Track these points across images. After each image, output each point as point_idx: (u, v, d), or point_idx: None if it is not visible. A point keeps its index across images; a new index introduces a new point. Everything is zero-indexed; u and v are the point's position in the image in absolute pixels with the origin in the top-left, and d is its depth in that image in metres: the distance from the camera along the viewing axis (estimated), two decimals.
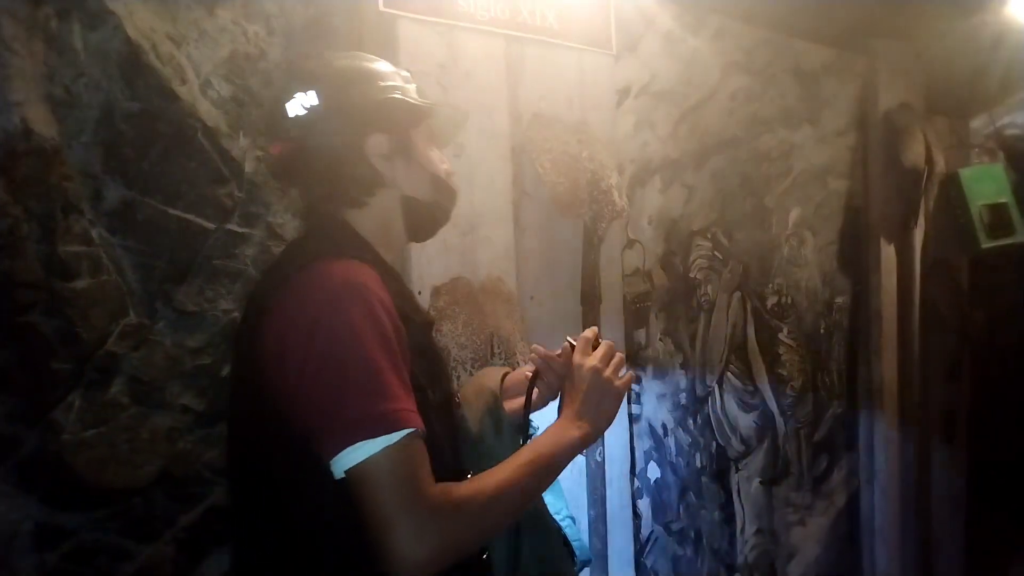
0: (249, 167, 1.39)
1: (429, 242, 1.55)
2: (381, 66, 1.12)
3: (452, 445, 1.07)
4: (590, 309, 1.85)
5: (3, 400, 1.15)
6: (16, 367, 1.16)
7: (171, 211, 1.30)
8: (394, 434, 0.87)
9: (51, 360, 1.19)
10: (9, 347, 1.15)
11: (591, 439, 1.08)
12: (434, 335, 1.19)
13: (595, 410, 1.08)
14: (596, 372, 1.09)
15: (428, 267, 1.57)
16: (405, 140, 1.11)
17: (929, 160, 2.84)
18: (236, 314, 1.35)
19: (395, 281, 1.07)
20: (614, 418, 1.11)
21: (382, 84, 1.09)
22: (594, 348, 1.13)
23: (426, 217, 1.16)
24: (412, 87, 1.13)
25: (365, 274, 0.95)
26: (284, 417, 0.92)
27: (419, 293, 1.55)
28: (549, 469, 1.03)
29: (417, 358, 0.99)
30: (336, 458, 0.87)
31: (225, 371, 1.36)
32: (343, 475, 0.87)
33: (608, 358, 1.12)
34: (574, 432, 1.06)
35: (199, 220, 1.34)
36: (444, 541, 0.87)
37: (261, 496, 0.99)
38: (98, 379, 1.24)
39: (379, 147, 1.08)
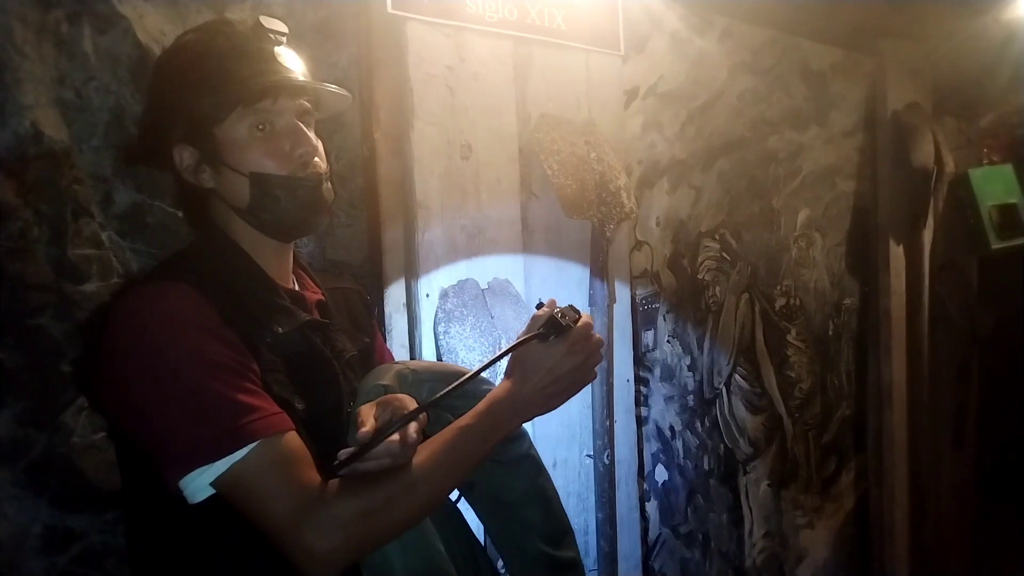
0: None
1: (435, 243, 1.57)
2: (205, 46, 0.98)
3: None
4: (597, 311, 1.84)
5: (13, 403, 1.15)
6: (26, 370, 1.16)
7: (180, 214, 1.30)
8: (237, 452, 0.84)
9: (61, 363, 1.19)
10: (19, 350, 1.15)
11: (535, 412, 1.00)
12: (325, 340, 1.06)
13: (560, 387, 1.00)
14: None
15: (435, 269, 1.57)
16: (209, 143, 0.99)
17: (938, 160, 2.83)
18: None
19: (250, 291, 0.99)
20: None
21: (183, 79, 0.97)
22: (562, 318, 1.01)
23: (272, 220, 1.01)
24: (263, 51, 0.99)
25: (173, 298, 0.90)
26: (131, 443, 0.93)
27: (427, 295, 1.55)
28: (473, 439, 0.95)
29: (282, 368, 0.94)
30: (183, 481, 0.86)
31: None
32: (203, 497, 0.86)
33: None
34: (521, 402, 0.97)
35: None
36: (342, 532, 0.84)
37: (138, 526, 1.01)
38: None
39: (184, 160, 1.00)
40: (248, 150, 0.99)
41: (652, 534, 2.17)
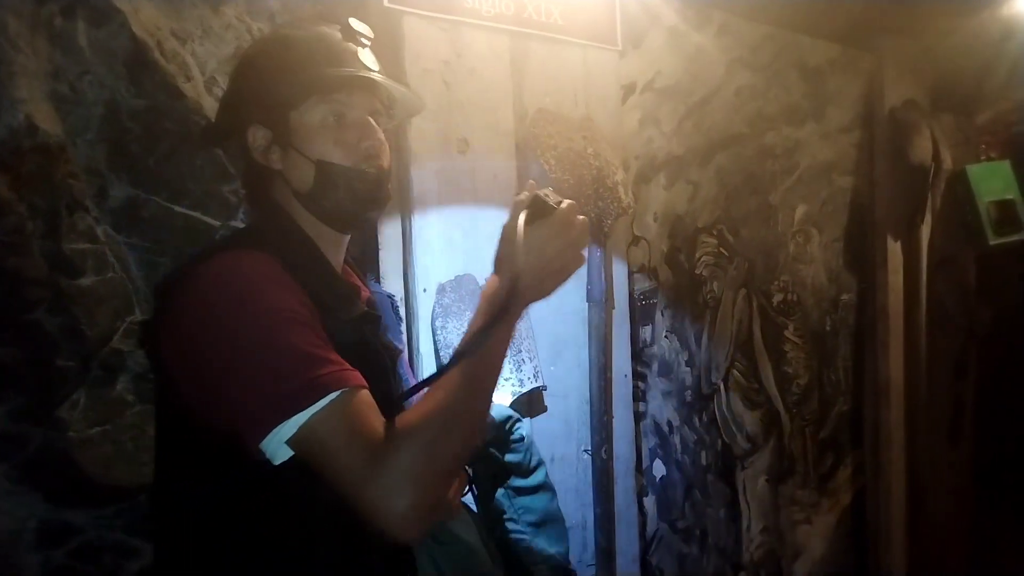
0: None
1: (432, 239, 1.56)
2: (293, 39, 1.04)
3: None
4: (596, 306, 1.84)
5: (9, 398, 1.15)
6: (22, 365, 1.16)
7: (176, 208, 1.30)
8: (314, 405, 0.83)
9: (56, 358, 1.19)
10: (15, 345, 1.15)
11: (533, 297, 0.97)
12: (374, 334, 1.07)
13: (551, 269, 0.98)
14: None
15: (432, 264, 1.57)
16: (283, 127, 1.02)
17: (936, 157, 2.83)
18: None
19: (316, 273, 1.00)
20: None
21: (267, 63, 1.03)
22: (546, 197, 0.98)
23: (330, 208, 1.03)
24: (342, 50, 1.03)
25: (257, 262, 0.92)
26: (200, 416, 0.89)
27: (424, 290, 1.55)
28: (487, 337, 0.90)
29: (342, 354, 0.94)
30: (264, 441, 0.84)
31: None
32: (285, 457, 0.84)
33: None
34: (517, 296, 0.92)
35: (204, 217, 1.34)
36: (414, 473, 0.82)
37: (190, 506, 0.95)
38: (103, 377, 1.24)
39: (256, 140, 1.03)
40: (318, 137, 1.02)
41: (650, 529, 2.17)
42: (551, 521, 1.37)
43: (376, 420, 0.86)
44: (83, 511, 1.23)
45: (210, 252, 0.95)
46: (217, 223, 1.35)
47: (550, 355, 1.76)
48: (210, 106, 1.33)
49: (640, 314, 2.12)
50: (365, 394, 0.88)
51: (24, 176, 1.14)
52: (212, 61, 1.33)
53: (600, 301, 1.84)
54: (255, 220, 1.13)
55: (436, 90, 1.57)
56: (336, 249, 1.08)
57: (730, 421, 2.43)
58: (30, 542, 1.18)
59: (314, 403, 0.83)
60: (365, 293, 1.14)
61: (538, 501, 1.35)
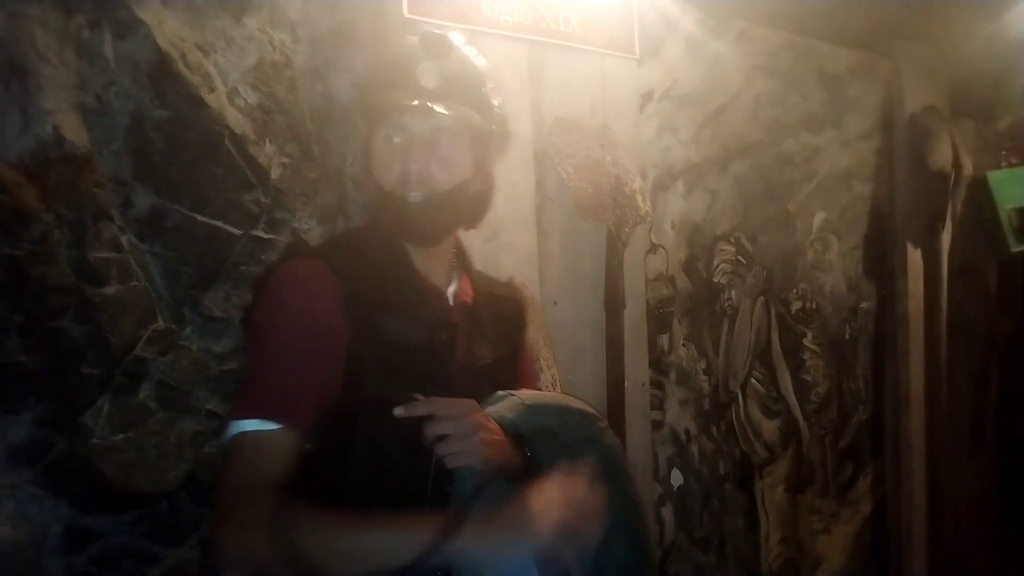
0: (275, 173, 1.40)
1: None
2: (401, 58, 1.07)
3: (419, 461, 0.96)
4: (613, 314, 1.84)
5: (34, 404, 1.17)
6: (47, 371, 1.17)
7: (199, 217, 1.31)
8: (244, 421, 0.94)
9: (81, 365, 1.20)
10: (40, 351, 1.16)
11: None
12: (444, 335, 1.07)
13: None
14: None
15: None
16: (369, 143, 1.09)
17: (956, 163, 2.80)
18: None
19: (375, 279, 1.03)
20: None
21: (374, 80, 1.09)
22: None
23: (394, 222, 1.07)
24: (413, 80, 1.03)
25: (303, 269, 1.03)
26: None
27: None
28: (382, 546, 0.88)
29: (396, 355, 0.98)
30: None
31: None
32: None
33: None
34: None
35: (226, 226, 1.34)
36: (229, 541, 0.91)
37: None
38: (127, 384, 1.25)
39: (361, 154, 1.12)
40: (375, 158, 1.07)
41: (667, 538, 2.16)
42: None
43: (267, 469, 0.93)
44: (105, 517, 1.24)
45: (292, 254, 1.11)
46: (239, 232, 1.36)
47: (567, 364, 1.76)
48: (232, 117, 1.34)
49: (657, 322, 2.12)
50: (281, 434, 0.94)
51: (51, 186, 1.16)
52: (235, 72, 1.35)
53: (618, 310, 1.84)
54: (365, 222, 1.19)
55: None
56: (424, 256, 1.10)
57: (748, 430, 2.42)
58: (54, 547, 1.19)
59: (244, 419, 0.95)
60: (463, 299, 1.13)
61: None
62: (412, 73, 1.04)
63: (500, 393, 1.08)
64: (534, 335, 1.63)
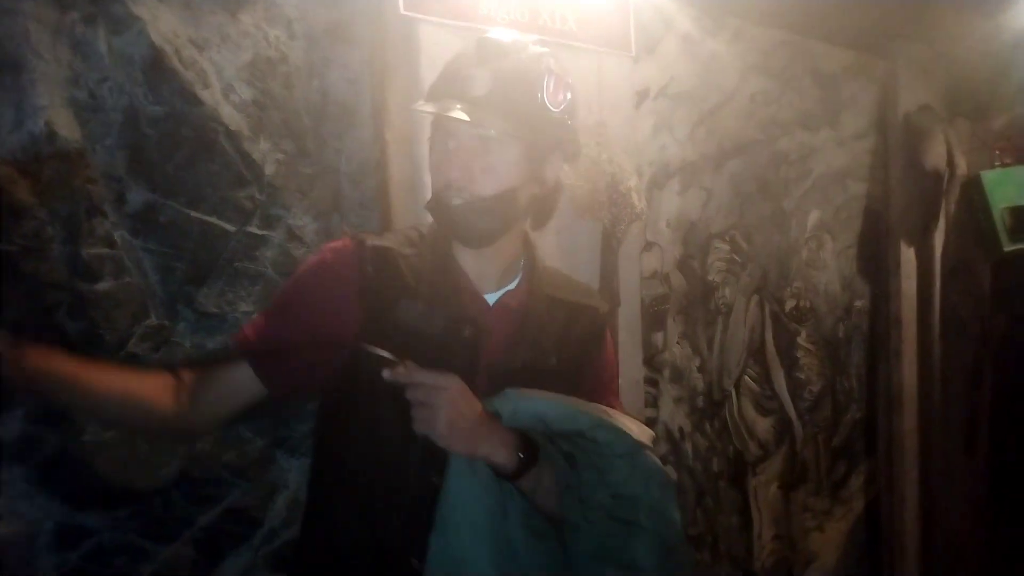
0: (270, 170, 1.39)
1: None
2: (455, 62, 1.08)
3: (410, 442, 1.01)
4: (608, 312, 1.84)
5: (26, 400, 1.16)
6: None
7: (193, 214, 1.31)
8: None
9: None
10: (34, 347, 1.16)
11: None
12: (467, 332, 1.08)
13: None
14: None
15: None
16: (429, 143, 1.11)
17: (950, 163, 2.81)
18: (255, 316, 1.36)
19: (404, 271, 1.08)
20: None
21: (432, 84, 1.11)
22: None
23: (439, 223, 1.11)
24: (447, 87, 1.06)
25: (332, 253, 1.10)
26: None
27: None
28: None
29: (407, 340, 1.03)
30: None
31: None
32: None
33: None
34: None
35: (220, 223, 1.34)
36: None
37: None
38: None
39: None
40: (429, 158, 1.11)
41: None
42: None
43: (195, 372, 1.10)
44: (97, 514, 1.24)
45: (344, 235, 1.19)
46: (233, 228, 1.36)
47: None
48: (227, 113, 1.34)
49: (652, 320, 2.12)
50: (239, 367, 1.09)
51: (45, 182, 1.16)
52: (230, 68, 1.34)
53: (612, 307, 1.84)
54: None
55: None
56: (473, 257, 1.11)
57: (742, 428, 2.42)
58: (46, 544, 1.19)
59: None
60: (510, 303, 1.12)
61: None
62: (463, 79, 1.04)
63: (513, 391, 1.08)
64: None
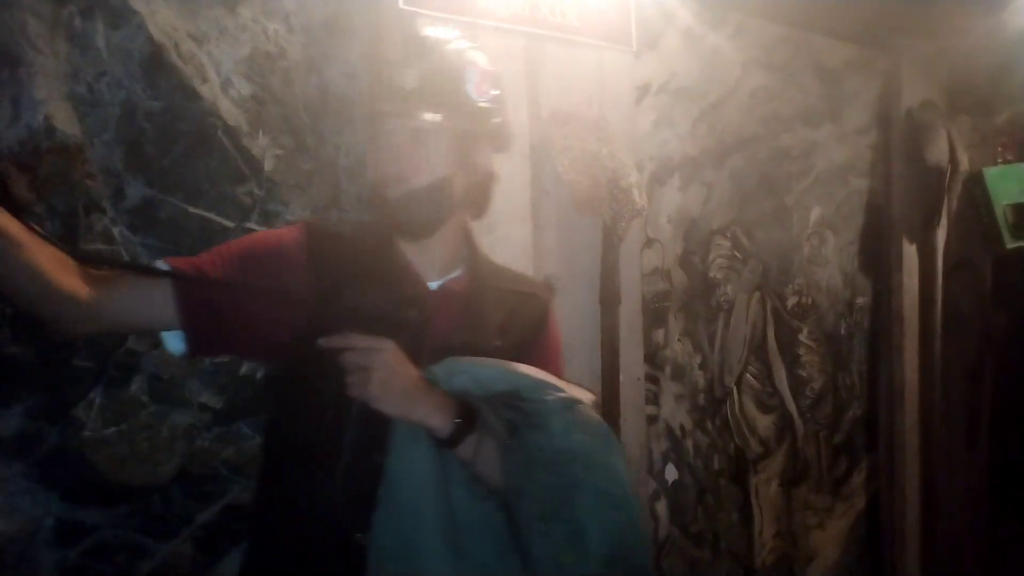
0: (268, 165, 1.39)
1: None
2: (386, 60, 1.15)
3: (344, 416, 1.04)
4: (608, 308, 1.84)
5: (26, 397, 1.16)
6: (39, 364, 1.17)
7: (191, 209, 1.31)
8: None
9: (73, 357, 1.20)
10: (32, 344, 1.16)
11: None
12: (412, 315, 1.10)
13: None
14: None
15: None
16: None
17: (953, 159, 2.80)
18: None
19: (348, 256, 1.11)
20: None
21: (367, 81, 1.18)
22: None
23: (378, 216, 1.15)
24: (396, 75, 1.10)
25: (285, 232, 1.15)
26: None
27: None
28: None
29: (354, 320, 1.03)
30: None
31: (243, 369, 1.36)
32: None
33: None
34: None
35: (219, 218, 1.34)
36: None
37: None
38: (119, 377, 1.25)
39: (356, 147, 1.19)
40: (367, 154, 1.15)
41: (661, 533, 2.16)
42: None
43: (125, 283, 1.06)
44: (97, 510, 1.24)
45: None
46: (232, 224, 1.35)
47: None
48: (226, 108, 1.33)
49: (653, 316, 2.11)
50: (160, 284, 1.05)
51: (43, 176, 1.15)
52: (228, 63, 1.34)
53: (613, 304, 1.83)
54: None
55: None
56: (417, 248, 1.15)
57: (743, 425, 2.42)
58: (46, 540, 1.19)
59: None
60: (453, 288, 1.16)
61: None
62: (393, 75, 1.10)
63: (449, 358, 1.10)
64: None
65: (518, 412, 1.06)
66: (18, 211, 1.12)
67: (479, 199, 1.22)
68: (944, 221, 2.88)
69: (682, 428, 2.22)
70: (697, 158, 2.24)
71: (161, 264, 1.06)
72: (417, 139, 1.09)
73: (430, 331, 1.11)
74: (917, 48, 2.81)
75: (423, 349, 1.08)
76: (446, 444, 1.02)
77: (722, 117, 2.29)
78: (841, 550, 2.80)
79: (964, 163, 2.87)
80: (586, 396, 1.11)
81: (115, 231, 1.23)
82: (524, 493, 1.04)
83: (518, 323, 1.21)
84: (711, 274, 2.30)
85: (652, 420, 2.12)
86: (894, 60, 2.79)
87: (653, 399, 2.13)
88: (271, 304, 1.07)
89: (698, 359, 2.27)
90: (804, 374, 2.62)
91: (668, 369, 2.18)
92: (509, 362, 1.09)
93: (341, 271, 1.09)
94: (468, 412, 1.04)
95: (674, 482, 2.20)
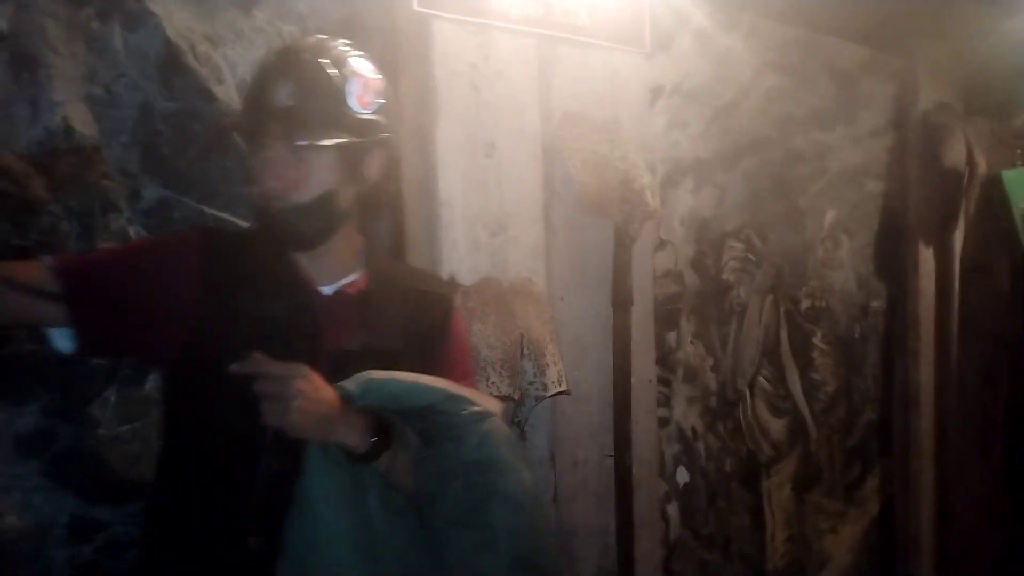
0: None
1: (458, 241, 1.56)
2: (258, 76, 1.10)
3: (247, 426, 1.01)
4: (620, 310, 1.83)
5: (41, 395, 1.17)
6: (55, 362, 1.18)
7: (207, 210, 1.32)
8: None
9: None
10: (48, 342, 1.17)
11: None
12: (305, 320, 1.10)
13: None
14: None
15: (458, 267, 1.57)
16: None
17: (970, 161, 2.78)
18: None
19: (240, 262, 1.09)
20: None
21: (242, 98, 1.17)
22: None
23: (263, 228, 1.12)
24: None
25: (181, 235, 1.18)
26: None
27: None
28: None
29: (251, 323, 1.04)
30: None
31: None
32: None
33: None
34: None
35: (233, 219, 1.35)
36: None
37: None
38: (133, 376, 1.26)
39: None
40: (258, 170, 1.09)
41: (672, 536, 2.15)
42: None
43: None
44: (110, 507, 1.25)
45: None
46: (246, 224, 1.36)
47: (574, 359, 1.75)
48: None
49: (665, 319, 2.11)
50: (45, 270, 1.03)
51: (60, 177, 1.17)
52: (243, 64, 1.35)
53: (625, 306, 1.83)
54: None
55: (464, 93, 1.57)
56: (308, 257, 1.12)
57: (755, 428, 2.41)
58: (59, 537, 1.20)
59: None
60: (350, 290, 1.14)
61: None
62: (269, 92, 1.06)
63: (364, 373, 1.09)
64: (539, 329, 1.62)
65: (433, 425, 1.07)
66: (35, 211, 1.14)
67: (373, 205, 1.21)
68: (961, 224, 2.86)
69: (694, 431, 2.22)
70: (710, 160, 2.23)
71: (47, 260, 1.04)
72: (298, 156, 1.05)
73: (325, 336, 1.10)
74: (933, 51, 2.79)
75: (319, 355, 1.06)
76: (362, 460, 1.03)
77: (735, 119, 2.28)
78: (854, 555, 2.78)
79: (982, 165, 2.85)
80: (497, 407, 1.14)
81: (131, 231, 1.24)
82: (438, 501, 1.07)
83: (421, 324, 1.20)
84: (724, 276, 2.29)
85: (664, 423, 2.11)
86: (909, 63, 2.77)
87: (665, 402, 2.12)
88: (161, 304, 1.05)
89: (710, 362, 2.26)
90: (817, 378, 2.60)
91: (680, 372, 2.17)
92: (423, 376, 1.09)
93: (233, 277, 1.08)
94: (384, 428, 1.04)
95: (685, 485, 2.19)
